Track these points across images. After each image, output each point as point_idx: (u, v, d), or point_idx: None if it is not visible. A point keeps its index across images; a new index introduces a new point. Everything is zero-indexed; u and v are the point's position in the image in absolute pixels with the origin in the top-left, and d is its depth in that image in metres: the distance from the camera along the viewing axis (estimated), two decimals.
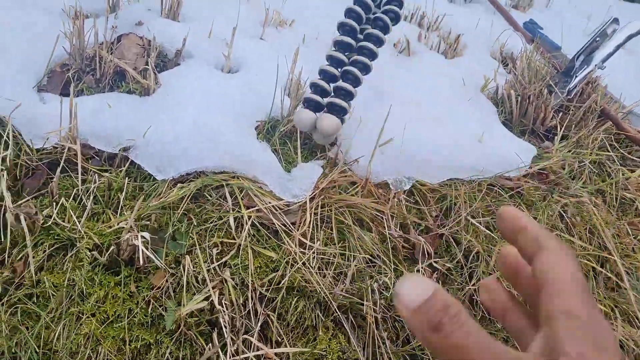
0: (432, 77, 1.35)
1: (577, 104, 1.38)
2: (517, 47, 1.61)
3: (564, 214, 1.19)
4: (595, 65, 1.43)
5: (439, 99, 1.28)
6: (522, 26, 1.80)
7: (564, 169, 1.26)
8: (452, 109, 1.27)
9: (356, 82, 1.07)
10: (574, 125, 1.36)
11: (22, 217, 0.90)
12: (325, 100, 1.06)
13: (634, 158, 1.41)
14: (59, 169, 0.97)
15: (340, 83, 1.06)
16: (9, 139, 1.00)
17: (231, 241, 0.93)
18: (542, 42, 1.70)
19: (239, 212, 0.97)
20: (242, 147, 1.05)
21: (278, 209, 0.99)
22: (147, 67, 1.17)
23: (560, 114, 1.36)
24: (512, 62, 1.57)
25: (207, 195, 0.99)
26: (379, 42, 1.09)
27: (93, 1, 1.37)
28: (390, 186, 1.08)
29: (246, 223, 0.95)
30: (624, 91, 1.61)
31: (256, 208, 0.97)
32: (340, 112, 1.05)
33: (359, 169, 1.09)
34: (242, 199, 0.98)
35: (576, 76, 1.42)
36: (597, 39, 1.47)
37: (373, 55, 1.08)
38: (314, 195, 1.02)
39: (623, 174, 1.36)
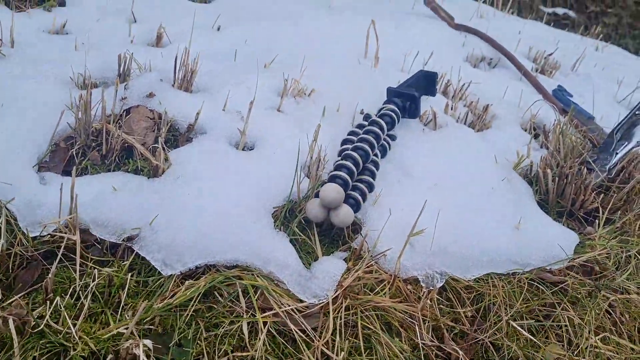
0: (461, 154, 1.26)
1: (620, 185, 1.27)
2: (549, 118, 1.52)
3: (611, 312, 1.07)
4: (637, 141, 1.33)
5: (470, 179, 1.19)
6: (551, 94, 1.71)
7: (609, 259, 1.14)
8: (485, 191, 1.17)
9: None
10: (617, 209, 1.26)
11: (10, 320, 0.80)
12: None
13: None
14: (55, 262, 0.88)
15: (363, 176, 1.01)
16: (2, 226, 0.91)
17: (244, 354, 0.82)
18: (574, 112, 1.61)
19: (253, 315, 0.86)
20: (258, 238, 0.95)
21: (297, 311, 0.88)
22: (156, 144, 1.08)
23: (601, 196, 1.26)
24: (544, 135, 1.48)
25: (217, 295, 0.89)
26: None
27: (103, 69, 1.31)
28: (422, 283, 0.97)
29: (261, 331, 0.84)
30: None
31: (273, 312, 0.86)
32: (355, 207, 0.99)
33: (385, 262, 0.99)
34: (256, 300, 0.87)
35: (617, 153, 1.32)
36: (637, 112, 1.38)
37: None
38: (337, 295, 0.91)
39: None
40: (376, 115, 1.18)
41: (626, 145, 1.33)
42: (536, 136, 1.51)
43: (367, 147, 1.07)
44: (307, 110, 1.31)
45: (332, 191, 0.96)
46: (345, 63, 1.61)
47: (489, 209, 1.13)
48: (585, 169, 1.24)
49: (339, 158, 1.07)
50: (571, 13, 6.39)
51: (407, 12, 2.29)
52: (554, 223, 1.18)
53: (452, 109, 1.42)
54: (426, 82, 1.40)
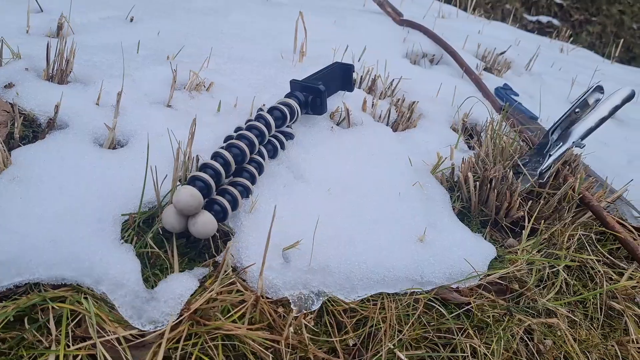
0: (372, 156, 1.11)
1: (551, 190, 1.12)
2: (484, 117, 1.36)
3: (528, 339, 0.92)
4: (573, 142, 1.18)
5: (375, 185, 1.03)
6: (494, 93, 1.57)
7: (530, 275, 0.99)
8: (390, 198, 1.01)
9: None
10: (545, 218, 1.10)
11: None
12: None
13: (616, 261, 1.14)
14: None
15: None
16: None
17: None
18: (514, 111, 1.47)
19: (67, 345, 0.70)
20: (93, 251, 0.79)
21: (126, 341, 0.72)
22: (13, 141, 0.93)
23: (530, 202, 1.10)
24: (477, 136, 1.33)
25: (28, 321, 0.73)
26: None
27: None
28: (292, 306, 0.82)
29: None
30: (611, 172, 1.36)
31: (90, 342, 0.70)
32: (220, 214, 0.83)
33: (254, 280, 0.83)
34: (71, 329, 0.71)
35: (550, 155, 1.17)
36: (577, 110, 1.23)
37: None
38: (182, 319, 0.75)
39: (610, 279, 1.09)
40: (266, 110, 1.02)
41: (561, 147, 1.18)
42: (471, 137, 1.36)
43: (243, 145, 0.91)
44: (201, 106, 1.16)
45: (185, 195, 0.80)
46: (265, 58, 1.47)
47: (390, 219, 0.97)
48: (512, 173, 1.09)
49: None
50: (555, 21, 6.28)
51: (354, 9, 2.15)
52: (470, 234, 1.02)
53: (372, 106, 1.27)
54: (342, 75, 1.25)
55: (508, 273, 0.98)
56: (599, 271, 1.10)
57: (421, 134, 1.25)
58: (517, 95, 1.59)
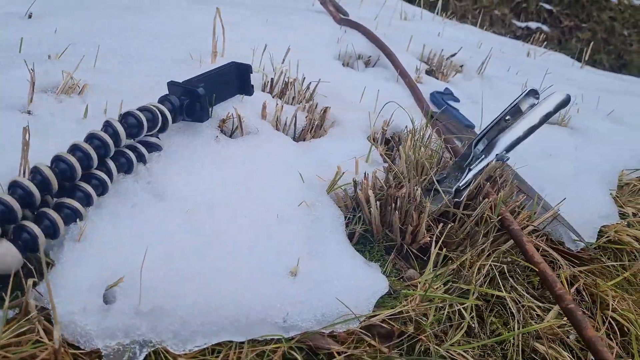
0: (258, 171, 0.95)
1: (468, 212, 0.96)
2: (407, 126, 1.21)
3: None
4: (496, 154, 1.02)
5: (250, 205, 0.88)
6: (430, 97, 1.41)
7: (427, 316, 0.83)
8: (266, 221, 0.86)
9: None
10: (458, 244, 0.95)
11: None
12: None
13: (534, 296, 0.98)
14: None
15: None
16: None
17: None
18: (448, 118, 1.31)
19: None
20: None
21: None
22: None
23: (441, 225, 0.94)
24: (397, 147, 1.17)
25: None
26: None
27: None
28: (103, 359, 0.66)
29: None
30: (554, 187, 1.20)
31: None
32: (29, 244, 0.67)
33: (68, 325, 0.67)
34: None
35: (470, 169, 1.02)
36: (507, 117, 1.08)
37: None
38: None
39: (538, 317, 0.94)
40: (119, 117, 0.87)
41: (483, 160, 1.02)
42: (392, 148, 1.20)
43: (72, 160, 0.75)
44: (67, 111, 1.00)
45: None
46: (172, 58, 1.31)
47: (259, 247, 0.81)
48: (419, 191, 0.93)
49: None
50: (545, 27, 6.15)
51: (298, 7, 2.00)
52: (361, 265, 0.86)
53: (276, 113, 1.11)
54: (238, 77, 1.09)
55: (402, 312, 0.82)
56: (522, 307, 0.94)
57: (330, 144, 1.09)
58: (457, 100, 1.44)
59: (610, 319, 1.02)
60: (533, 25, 5.86)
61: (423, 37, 1.94)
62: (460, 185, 0.99)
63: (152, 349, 0.68)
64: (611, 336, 1.01)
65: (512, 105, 1.08)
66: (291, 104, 1.22)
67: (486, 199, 0.94)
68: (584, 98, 1.76)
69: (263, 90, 1.23)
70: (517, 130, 1.03)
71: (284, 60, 1.41)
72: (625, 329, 1.02)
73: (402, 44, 1.75)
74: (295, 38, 1.55)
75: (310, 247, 0.85)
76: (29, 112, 0.99)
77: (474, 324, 0.88)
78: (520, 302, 0.95)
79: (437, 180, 1.00)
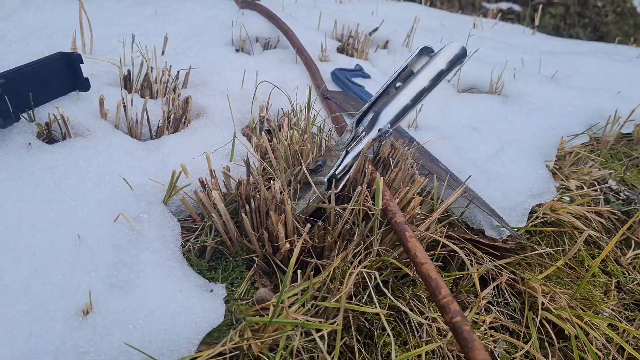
0: (69, 182, 0.75)
1: (342, 206, 0.76)
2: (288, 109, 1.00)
3: None
4: (379, 129, 0.82)
5: (51, 224, 0.67)
6: (331, 76, 1.21)
7: (276, 350, 0.62)
8: (63, 244, 0.65)
9: None
10: (330, 248, 0.74)
11: None
12: None
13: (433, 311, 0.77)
14: None
15: None
16: None
17: None
18: (346, 97, 1.11)
19: None
20: None
21: None
22: None
23: (308, 227, 0.74)
24: (275, 135, 0.96)
25: None
26: None
27: None
28: None
29: None
30: (471, 165, 1.00)
31: None
32: None
33: None
34: None
35: (347, 153, 0.81)
36: (398, 84, 0.88)
37: None
38: None
39: (429, 336, 0.73)
40: None
41: (362, 139, 0.82)
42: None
43: None
44: None
45: None
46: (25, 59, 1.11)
47: (39, 281, 0.61)
48: (277, 187, 0.73)
49: None
50: (516, 7, 5.99)
51: None
52: (190, 291, 0.66)
53: (123, 108, 0.91)
54: (67, 69, 0.89)
55: (236, 350, 0.61)
56: (420, 323, 0.73)
57: (186, 140, 0.89)
58: (367, 77, 1.24)
59: (545, 321, 0.82)
60: (504, 5, 5.69)
61: (346, 15, 1.74)
62: (336, 172, 0.79)
63: None
64: (546, 343, 0.80)
65: (402, 68, 0.88)
66: (155, 98, 1.01)
67: (361, 187, 0.73)
68: (525, 62, 1.56)
69: (122, 87, 1.02)
70: (403, 98, 0.83)
71: (163, 51, 1.21)
72: (566, 332, 0.81)
73: (314, 23, 1.55)
74: (181, 26, 1.35)
75: (117, 275, 0.64)
76: None
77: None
78: (406, 319, 0.74)
79: (311, 170, 0.80)
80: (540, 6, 2.47)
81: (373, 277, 0.68)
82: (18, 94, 0.82)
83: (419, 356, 0.69)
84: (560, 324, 0.80)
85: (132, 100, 0.93)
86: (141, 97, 1.00)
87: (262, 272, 0.75)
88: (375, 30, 1.55)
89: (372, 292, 0.66)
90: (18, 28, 1.27)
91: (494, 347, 0.77)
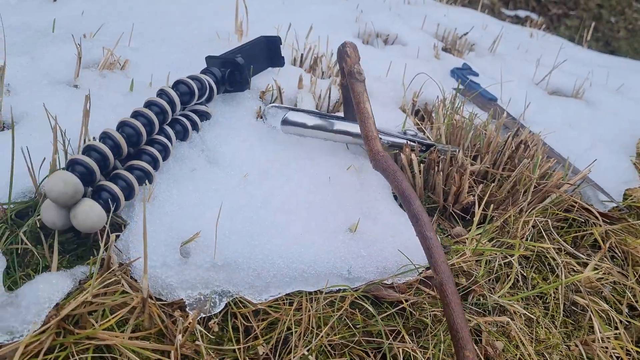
0: (306, 139, 0.98)
1: (506, 172, 1.00)
2: (435, 97, 1.24)
3: (475, 342, 0.80)
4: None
5: (303, 170, 0.91)
6: (450, 73, 1.45)
7: (478, 268, 0.87)
8: (319, 184, 0.89)
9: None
10: (498, 203, 0.99)
11: None
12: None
13: (580, 251, 1.02)
14: None
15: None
16: None
17: None
18: (471, 92, 1.35)
19: None
20: None
21: None
22: None
23: (481, 186, 0.98)
24: (428, 117, 1.20)
25: None
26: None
27: None
28: (187, 309, 0.69)
29: None
30: (574, 155, 1.24)
31: None
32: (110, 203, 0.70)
33: (150, 279, 0.70)
34: None
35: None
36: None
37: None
38: (49, 327, 0.62)
39: (573, 271, 0.98)
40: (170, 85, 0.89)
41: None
42: (423, 118, 1.24)
43: (137, 124, 0.78)
44: (112, 85, 1.02)
45: (57, 181, 0.67)
46: (198, 38, 1.33)
47: (316, 207, 0.85)
48: (461, 154, 0.97)
49: None
50: (534, 15, 6.22)
51: None
52: (410, 224, 0.90)
53: (311, 85, 1.14)
54: (268, 49, 1.12)
55: (454, 265, 0.85)
56: (561, 262, 0.98)
57: None
58: (476, 75, 1.48)
59: None
60: (522, 13, 5.93)
61: (430, 18, 1.98)
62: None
63: (231, 299, 0.71)
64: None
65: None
66: (322, 78, 1.25)
67: (524, 160, 0.98)
68: (593, 73, 1.81)
69: (294, 65, 1.25)
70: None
71: (307, 37, 1.44)
72: None
73: (414, 24, 1.79)
74: (314, 18, 1.57)
75: (362, 208, 0.88)
76: (76, 86, 1.01)
77: (518, 278, 0.92)
78: (556, 260, 0.99)
79: None
80: (588, 29, 2.69)
81: (540, 223, 0.93)
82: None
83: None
84: None
85: (316, 79, 1.16)
86: (315, 77, 1.23)
87: (444, 217, 0.99)
88: (466, 34, 1.78)
89: (545, 234, 0.91)
90: (181, 13, 1.49)
91: (603, 290, 1.02)
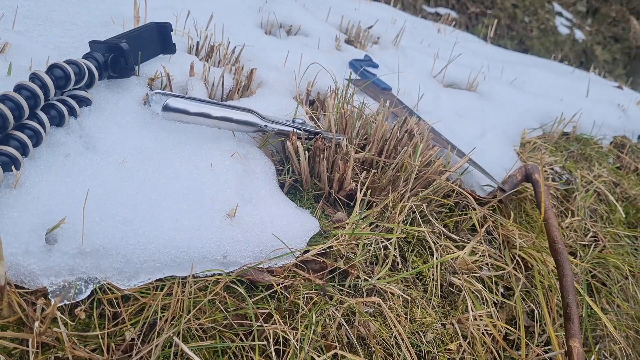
0: (188, 126, 0.98)
1: (389, 160, 1.04)
2: (329, 86, 1.27)
3: (347, 325, 0.83)
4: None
5: (183, 157, 0.90)
6: (349, 65, 1.49)
7: (355, 253, 0.90)
8: (200, 170, 0.89)
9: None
10: (380, 190, 1.02)
11: None
12: None
13: (459, 235, 1.08)
14: None
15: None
16: None
17: None
18: (363, 81, 1.39)
19: None
20: None
21: None
22: None
23: (364, 173, 1.02)
24: (321, 106, 1.23)
25: None
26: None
27: None
28: (50, 296, 0.67)
29: None
30: (463, 144, 1.31)
31: None
32: None
33: (11, 267, 0.68)
34: None
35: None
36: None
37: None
38: None
39: (452, 253, 1.03)
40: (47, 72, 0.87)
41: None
42: (317, 108, 1.26)
43: (3, 108, 0.75)
44: None
45: None
46: (92, 22, 1.29)
47: (194, 193, 0.85)
48: (346, 141, 0.99)
49: None
50: (453, 13, 6.42)
51: None
52: (292, 209, 0.92)
53: (204, 73, 1.14)
54: (159, 36, 1.11)
55: (332, 249, 0.88)
56: (440, 245, 1.03)
57: (258, 103, 1.13)
58: (376, 67, 1.52)
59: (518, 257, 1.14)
60: (442, 11, 6.12)
61: (341, 10, 2.01)
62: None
63: (98, 285, 0.70)
64: (517, 271, 1.12)
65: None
66: (217, 67, 1.24)
67: (405, 148, 1.02)
68: (489, 67, 1.90)
69: (189, 53, 1.25)
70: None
71: (207, 26, 1.43)
72: (529, 264, 1.14)
73: (320, 15, 1.81)
74: (215, 7, 1.56)
75: (243, 194, 0.89)
76: None
77: (397, 261, 0.96)
78: (437, 243, 1.04)
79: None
80: (491, 27, 2.82)
81: (417, 209, 0.97)
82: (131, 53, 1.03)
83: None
84: (528, 259, 1.12)
85: (209, 67, 1.16)
86: (208, 64, 1.22)
87: (328, 204, 1.01)
88: (371, 27, 1.82)
89: (419, 219, 0.95)
90: None
91: (478, 272, 1.08)
